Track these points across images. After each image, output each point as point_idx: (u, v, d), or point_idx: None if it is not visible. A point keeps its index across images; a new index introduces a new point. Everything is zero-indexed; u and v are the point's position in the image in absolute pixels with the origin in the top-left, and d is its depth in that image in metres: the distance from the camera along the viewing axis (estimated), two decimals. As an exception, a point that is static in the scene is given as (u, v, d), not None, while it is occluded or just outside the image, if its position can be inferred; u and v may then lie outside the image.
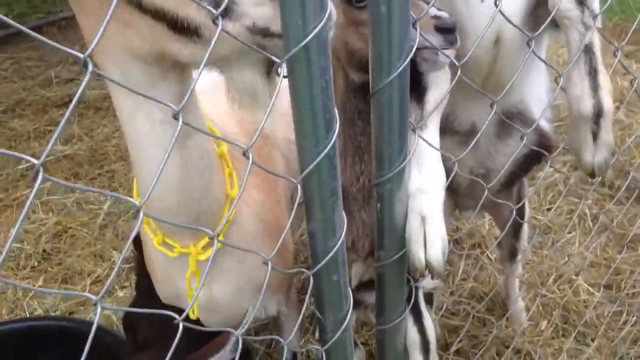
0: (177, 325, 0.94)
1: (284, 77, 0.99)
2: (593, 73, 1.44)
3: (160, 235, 1.46)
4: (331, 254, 1.18)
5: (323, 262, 1.19)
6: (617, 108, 3.86)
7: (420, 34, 1.17)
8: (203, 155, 1.32)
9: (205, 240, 1.43)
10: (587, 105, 1.45)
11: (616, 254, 2.89)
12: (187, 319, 0.95)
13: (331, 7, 0.93)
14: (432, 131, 1.37)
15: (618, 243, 2.96)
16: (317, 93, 0.98)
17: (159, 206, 1.32)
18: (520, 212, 2.37)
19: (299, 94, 0.99)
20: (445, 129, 1.68)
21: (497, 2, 1.27)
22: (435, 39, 1.29)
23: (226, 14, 0.97)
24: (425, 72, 1.37)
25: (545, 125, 1.81)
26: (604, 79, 1.45)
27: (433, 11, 1.30)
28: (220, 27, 0.88)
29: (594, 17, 1.43)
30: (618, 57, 1.85)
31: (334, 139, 1.03)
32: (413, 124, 1.27)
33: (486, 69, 1.57)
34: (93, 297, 0.80)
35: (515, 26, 1.39)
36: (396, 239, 1.34)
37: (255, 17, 0.98)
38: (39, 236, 3.41)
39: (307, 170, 1.05)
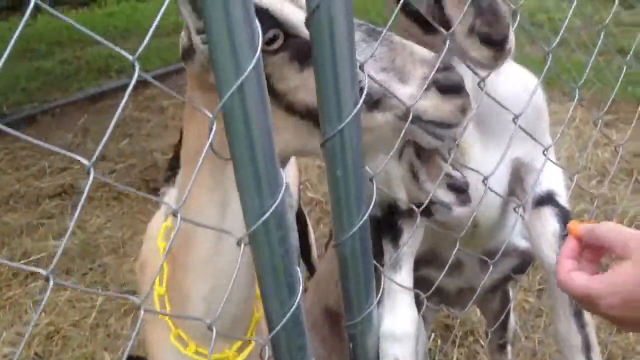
0: None
1: (245, 244, 1.03)
2: (578, 314, 1.54)
3: (193, 345, 1.44)
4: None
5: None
6: (600, 182, 3.92)
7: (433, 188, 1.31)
8: None
9: (239, 342, 1.44)
10: (576, 340, 1.55)
11: (607, 336, 2.87)
12: None
13: (285, 186, 0.98)
14: (405, 273, 1.42)
15: (610, 325, 2.95)
16: (277, 261, 1.02)
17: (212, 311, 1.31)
18: (506, 305, 2.40)
19: (261, 262, 1.03)
20: (432, 261, 1.76)
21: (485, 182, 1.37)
22: (448, 196, 1.37)
23: (376, 106, 1.12)
24: (438, 218, 1.44)
25: (525, 244, 1.85)
26: (587, 316, 1.56)
27: (447, 169, 1.37)
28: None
29: None
30: (599, 126, 1.94)
31: (297, 300, 1.07)
32: (380, 267, 1.31)
33: (467, 237, 1.64)
34: None
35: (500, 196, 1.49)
36: (372, 374, 1.36)
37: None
38: (32, 338, 3.40)
39: (274, 331, 1.08)
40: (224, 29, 0.82)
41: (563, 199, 1.53)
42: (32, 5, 0.72)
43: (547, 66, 1.36)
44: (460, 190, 1.37)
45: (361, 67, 1.05)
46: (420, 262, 1.81)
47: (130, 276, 3.76)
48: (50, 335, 3.41)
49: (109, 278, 3.84)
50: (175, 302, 1.44)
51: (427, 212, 1.40)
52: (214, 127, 0.88)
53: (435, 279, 1.73)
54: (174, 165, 2.21)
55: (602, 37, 1.65)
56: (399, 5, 1.13)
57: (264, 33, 1.09)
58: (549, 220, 1.48)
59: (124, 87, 6.84)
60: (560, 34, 1.48)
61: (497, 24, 1.11)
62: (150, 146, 5.58)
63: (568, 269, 1.13)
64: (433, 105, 1.12)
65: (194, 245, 1.32)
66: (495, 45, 1.13)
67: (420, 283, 1.94)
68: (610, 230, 1.10)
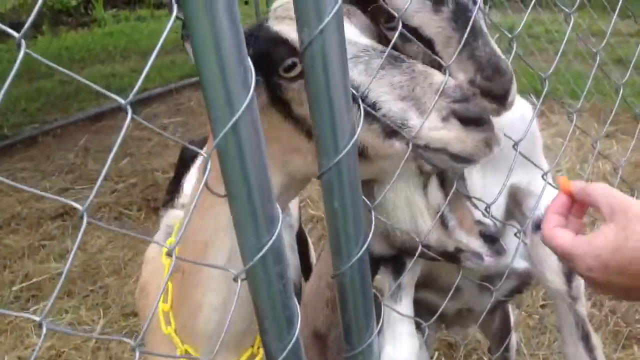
0: None
1: (242, 280, 1.03)
2: (585, 338, 1.53)
3: None
4: None
5: None
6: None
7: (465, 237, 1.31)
8: None
9: (248, 353, 1.46)
10: None
11: (612, 352, 2.85)
12: None
13: (281, 221, 0.98)
14: (405, 304, 1.41)
15: (614, 341, 2.93)
16: (275, 296, 1.02)
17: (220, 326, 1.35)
18: (506, 324, 2.38)
19: (259, 297, 1.02)
20: (431, 285, 1.75)
21: (488, 209, 1.37)
22: (479, 244, 1.34)
23: (395, 134, 1.14)
24: (468, 266, 1.40)
25: (523, 265, 1.85)
26: (595, 339, 1.55)
27: (478, 215, 1.34)
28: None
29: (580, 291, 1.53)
30: (597, 149, 1.93)
31: (296, 335, 1.06)
32: (380, 297, 1.30)
33: None
34: None
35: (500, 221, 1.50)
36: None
37: (430, 140, 1.11)
38: (33, 362, 3.38)
39: (274, 365, 1.07)
40: (216, 69, 0.82)
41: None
42: (22, 53, 0.72)
43: (544, 92, 1.36)
44: (492, 240, 1.33)
45: (354, 99, 1.04)
46: (418, 285, 1.80)
47: (131, 298, 3.75)
48: (52, 358, 3.40)
49: (110, 300, 3.83)
50: (183, 315, 1.45)
51: (454, 259, 1.37)
52: (209, 166, 0.88)
53: (433, 301, 1.72)
54: (172, 190, 2.22)
55: (598, 59, 1.63)
56: (388, 49, 1.11)
57: (283, 61, 1.17)
58: None
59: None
60: (557, 58, 1.47)
61: (499, 78, 1.10)
62: (151, 165, 5.58)
63: (554, 225, 1.15)
64: (455, 137, 1.10)
65: (210, 256, 1.33)
66: (498, 99, 1.12)
67: (418, 305, 1.93)
68: (601, 190, 1.12)
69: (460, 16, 1.12)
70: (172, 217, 1.96)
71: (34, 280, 4.02)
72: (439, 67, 1.15)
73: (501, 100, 1.13)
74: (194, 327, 1.40)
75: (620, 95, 1.83)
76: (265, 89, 1.24)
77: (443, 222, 1.33)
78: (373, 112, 1.12)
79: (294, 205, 2.36)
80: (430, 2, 1.12)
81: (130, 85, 7.11)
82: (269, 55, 1.20)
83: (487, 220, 1.33)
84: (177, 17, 0.78)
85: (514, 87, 1.14)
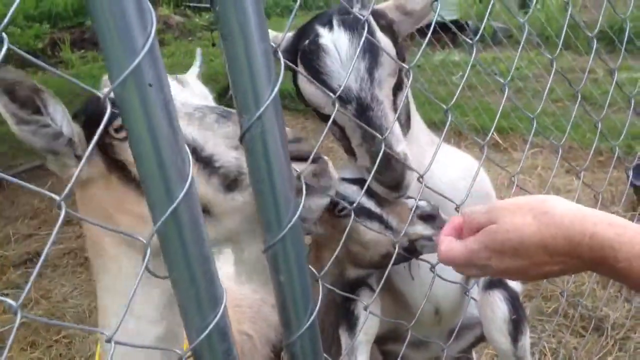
0: None
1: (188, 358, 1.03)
2: None
3: None
4: None
5: None
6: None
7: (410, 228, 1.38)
8: None
9: None
10: None
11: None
12: None
13: (225, 300, 0.99)
14: None
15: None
16: (223, 374, 1.02)
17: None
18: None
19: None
20: (397, 338, 1.77)
21: (433, 270, 1.44)
22: (422, 227, 1.38)
23: (235, 186, 1.13)
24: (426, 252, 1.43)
25: None
26: None
27: (411, 203, 1.39)
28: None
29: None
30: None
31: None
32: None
33: (432, 323, 1.67)
34: None
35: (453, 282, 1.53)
36: None
37: None
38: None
39: None
40: (153, 160, 0.84)
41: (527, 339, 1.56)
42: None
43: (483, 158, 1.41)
44: (431, 217, 1.38)
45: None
46: (386, 339, 1.82)
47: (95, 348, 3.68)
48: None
49: (74, 350, 3.75)
50: None
51: (415, 252, 1.42)
52: (149, 252, 0.89)
53: (404, 354, 1.73)
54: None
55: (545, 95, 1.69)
56: (326, 130, 1.18)
57: (112, 121, 1.18)
58: (498, 306, 1.50)
59: (90, 149, 6.82)
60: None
61: (389, 173, 1.26)
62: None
63: (447, 247, 1.19)
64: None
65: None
66: (391, 188, 1.29)
67: (388, 356, 1.95)
68: (478, 210, 1.17)
69: (362, 114, 1.26)
70: None
71: (-3, 331, 3.93)
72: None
73: (395, 189, 1.29)
74: None
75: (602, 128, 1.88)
76: (100, 154, 1.22)
77: (387, 226, 1.39)
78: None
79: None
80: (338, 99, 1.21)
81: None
82: (98, 117, 1.19)
83: (421, 202, 1.38)
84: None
85: (407, 177, 1.29)
